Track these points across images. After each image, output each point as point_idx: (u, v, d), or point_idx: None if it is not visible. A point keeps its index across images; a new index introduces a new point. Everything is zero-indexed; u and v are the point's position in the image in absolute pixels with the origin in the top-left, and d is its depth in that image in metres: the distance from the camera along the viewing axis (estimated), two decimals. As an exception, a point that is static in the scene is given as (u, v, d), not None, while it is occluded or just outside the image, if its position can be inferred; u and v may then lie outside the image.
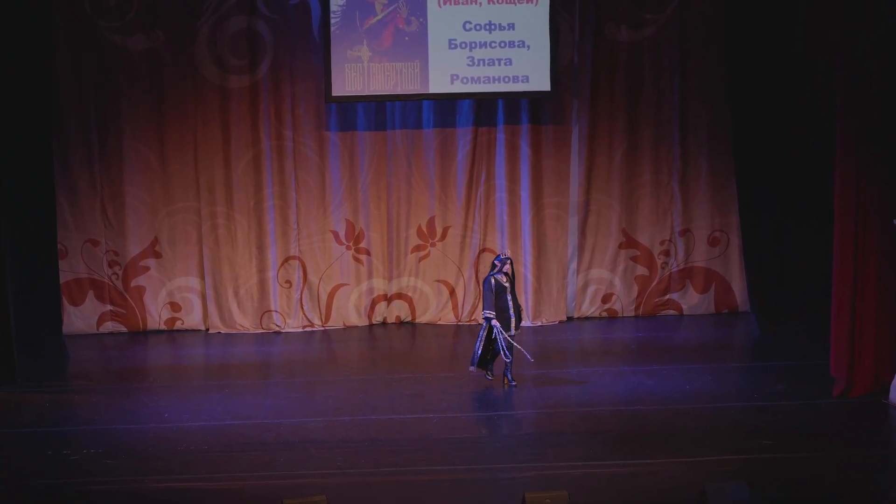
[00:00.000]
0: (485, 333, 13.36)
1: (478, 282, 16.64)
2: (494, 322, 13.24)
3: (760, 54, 15.38)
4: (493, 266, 13.42)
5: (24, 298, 14.55)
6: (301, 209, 16.36)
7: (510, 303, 13.32)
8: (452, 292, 16.70)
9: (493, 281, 13.32)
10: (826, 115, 13.43)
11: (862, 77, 12.43)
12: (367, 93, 15.89)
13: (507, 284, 13.34)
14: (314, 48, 16.01)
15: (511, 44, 15.93)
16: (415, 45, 15.86)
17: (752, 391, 13.26)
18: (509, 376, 13.45)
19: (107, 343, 16.10)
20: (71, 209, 16.09)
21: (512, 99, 16.25)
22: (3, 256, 13.80)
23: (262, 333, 16.42)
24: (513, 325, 13.35)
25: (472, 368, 13.56)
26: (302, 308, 16.52)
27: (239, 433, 12.15)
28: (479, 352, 13.43)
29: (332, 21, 15.72)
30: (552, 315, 16.65)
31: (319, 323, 16.58)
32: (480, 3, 15.88)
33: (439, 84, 15.92)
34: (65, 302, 16.05)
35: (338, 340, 16.14)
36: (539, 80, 15.98)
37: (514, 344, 13.35)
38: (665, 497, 10.30)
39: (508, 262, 13.39)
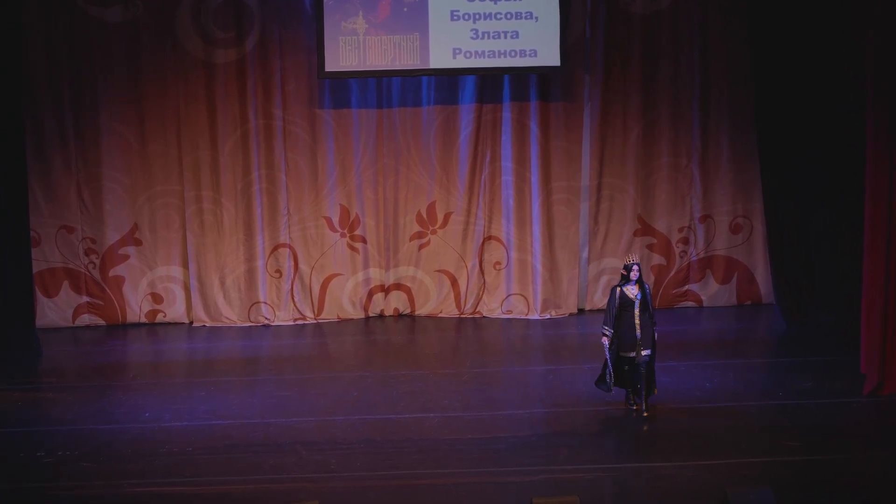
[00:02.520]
0: (607, 353, 12.26)
1: (482, 272, 16.64)
2: (604, 340, 12.18)
3: (787, 28, 15.32)
4: (621, 276, 12.34)
5: (-7, 289, 14.59)
6: (292, 193, 16.34)
7: (637, 319, 12.17)
8: (454, 283, 16.68)
9: (617, 292, 12.20)
10: (857, 96, 13.40)
11: (894, 56, 12.38)
12: (362, 68, 15.85)
13: (634, 297, 12.17)
14: (306, 20, 15.97)
15: (518, 15, 15.89)
16: (414, 16, 15.81)
17: (777, 389, 13.24)
18: (637, 401, 12.30)
19: (83, 337, 16.09)
20: (44, 193, 16.06)
21: (519, 75, 16.20)
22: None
23: (250, 327, 16.40)
24: (639, 346, 12.15)
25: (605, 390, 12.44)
26: (293, 299, 16.50)
27: (225, 434, 12.14)
28: (609, 373, 12.27)
29: (326, -10, 15.72)
30: (562, 307, 16.64)
31: (311, 316, 16.56)
32: (485, -28, 15.87)
33: (440, 58, 15.88)
34: (38, 293, 16.02)
35: (331, 334, 16.13)
36: (548, 54, 15.93)
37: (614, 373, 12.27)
38: (684, 502, 10.29)
39: (636, 267, 12.20)
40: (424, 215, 16.58)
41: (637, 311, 12.17)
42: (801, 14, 15.16)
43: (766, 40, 15.55)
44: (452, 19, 15.86)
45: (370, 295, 16.69)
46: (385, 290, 16.71)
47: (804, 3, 15.12)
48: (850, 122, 14.13)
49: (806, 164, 15.57)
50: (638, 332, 12.16)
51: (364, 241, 16.55)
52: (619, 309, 12.18)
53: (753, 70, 15.83)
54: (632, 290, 12.21)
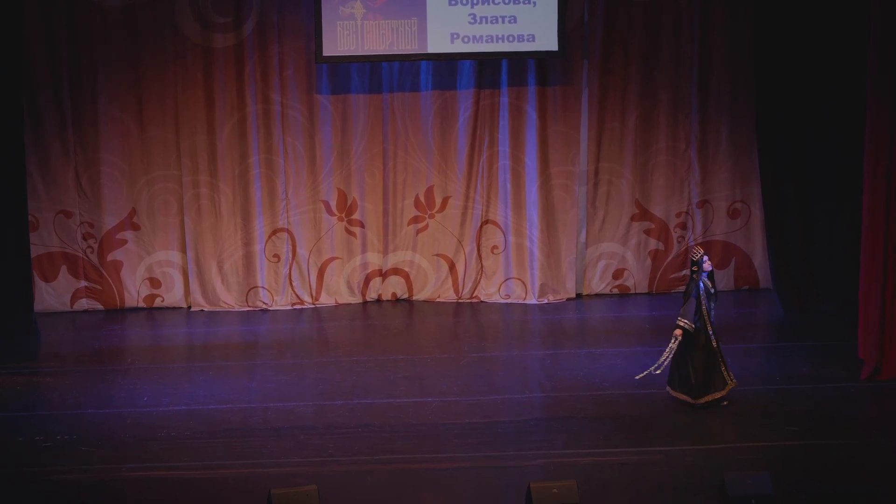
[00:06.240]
0: (674, 345, 11.99)
1: (479, 256, 16.61)
2: (678, 333, 11.90)
3: (788, 17, 15.26)
4: (694, 269, 11.95)
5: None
6: (290, 177, 16.31)
7: (712, 312, 12.06)
8: (452, 267, 16.66)
9: (702, 286, 11.92)
10: (858, 83, 13.38)
11: (895, 48, 12.36)
12: (360, 52, 15.80)
13: (714, 290, 12.04)
14: (304, 4, 15.91)
15: (516, 0, 15.84)
16: (412, 0, 15.76)
17: (775, 374, 13.25)
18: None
19: (81, 322, 16.05)
20: (42, 178, 16.02)
21: (517, 60, 16.16)
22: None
23: (248, 311, 16.38)
24: (713, 340, 12.04)
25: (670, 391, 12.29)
26: (291, 284, 16.48)
27: (223, 418, 12.16)
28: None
29: (323, -25, 15.65)
30: (560, 292, 16.61)
31: (309, 300, 16.54)
32: (483, -44, 15.82)
33: (438, 43, 15.83)
34: (36, 277, 15.98)
35: (329, 319, 16.11)
36: (546, 39, 15.88)
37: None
38: (681, 487, 10.31)
39: (706, 258, 11.99)
40: (422, 199, 16.55)
41: (713, 304, 12.07)
42: (803, 3, 15.12)
43: (767, 27, 15.48)
44: (451, 4, 15.80)
45: (367, 279, 16.66)
46: (383, 274, 16.68)
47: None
48: (851, 108, 14.11)
49: (805, 149, 15.53)
50: (709, 322, 12.00)
51: (362, 225, 16.52)
52: (700, 303, 11.93)
53: (754, 57, 15.77)
54: (710, 284, 12.00)
